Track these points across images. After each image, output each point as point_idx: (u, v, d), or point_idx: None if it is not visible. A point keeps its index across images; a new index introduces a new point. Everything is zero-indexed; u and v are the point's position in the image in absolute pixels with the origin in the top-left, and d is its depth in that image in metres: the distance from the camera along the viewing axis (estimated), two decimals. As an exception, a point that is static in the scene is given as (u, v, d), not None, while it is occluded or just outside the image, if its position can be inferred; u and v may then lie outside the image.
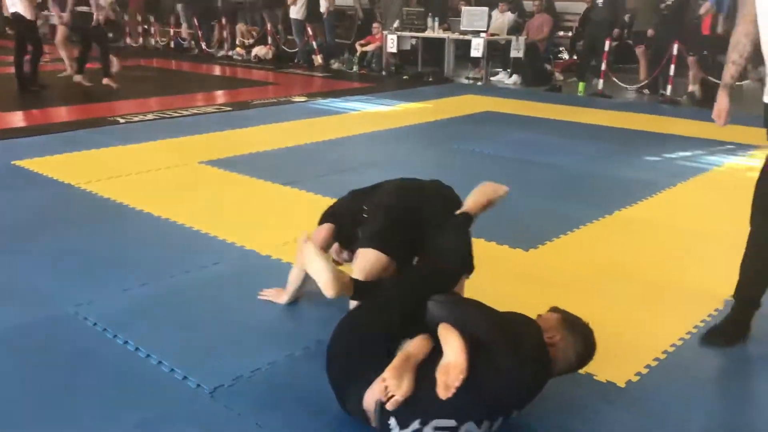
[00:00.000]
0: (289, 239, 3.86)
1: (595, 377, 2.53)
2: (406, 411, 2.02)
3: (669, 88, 8.98)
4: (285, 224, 4.14)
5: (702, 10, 8.31)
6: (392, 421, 2.04)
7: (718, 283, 3.35)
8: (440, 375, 2.04)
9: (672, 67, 8.84)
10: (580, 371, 2.54)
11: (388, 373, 2.06)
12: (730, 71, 2.84)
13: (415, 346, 2.14)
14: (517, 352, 2.09)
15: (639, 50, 9.74)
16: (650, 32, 9.38)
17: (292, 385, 2.48)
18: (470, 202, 2.69)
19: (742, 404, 2.40)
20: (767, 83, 2.74)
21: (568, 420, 2.29)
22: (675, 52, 8.73)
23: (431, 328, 2.18)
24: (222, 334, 2.84)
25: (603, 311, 3.06)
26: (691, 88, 8.91)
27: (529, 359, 2.11)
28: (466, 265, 2.54)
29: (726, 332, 2.76)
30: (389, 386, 2.03)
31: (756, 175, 5.46)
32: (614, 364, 2.62)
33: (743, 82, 9.67)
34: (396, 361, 2.08)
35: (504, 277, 3.40)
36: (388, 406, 2.03)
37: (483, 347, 2.09)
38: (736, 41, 2.76)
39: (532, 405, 2.21)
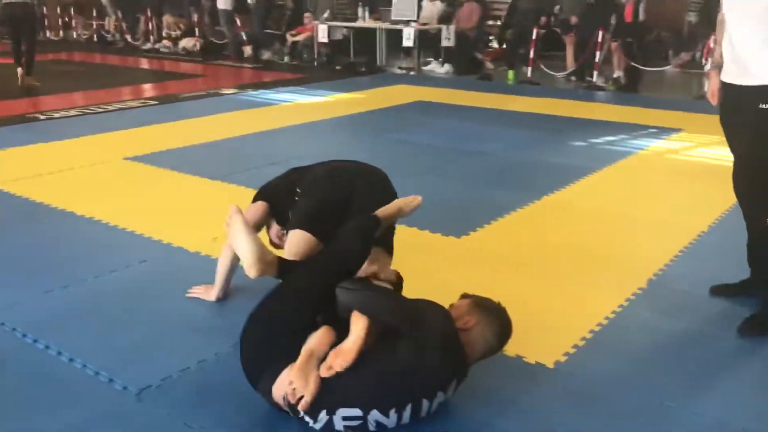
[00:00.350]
0: (219, 235, 3.77)
1: (524, 359, 2.57)
2: (313, 404, 2.03)
3: (595, 74, 9.20)
4: (214, 220, 4.02)
5: (624, -2, 8.53)
6: (305, 416, 2.08)
7: (642, 263, 3.46)
8: (330, 355, 2.07)
9: (598, 54, 9.06)
10: (509, 353, 2.59)
11: (293, 374, 2.05)
12: (718, 51, 2.92)
13: (317, 342, 2.13)
14: (420, 340, 2.10)
15: (566, 38, 9.94)
16: (574, 19, 9.58)
17: (222, 382, 2.43)
18: (382, 209, 2.57)
19: (670, 379, 2.48)
20: (724, 64, 2.84)
21: (498, 403, 2.32)
22: (600, 39, 8.94)
23: (341, 314, 2.17)
24: (149, 334, 2.76)
25: (531, 294, 3.13)
26: (616, 74, 9.15)
27: (434, 347, 2.10)
28: (366, 245, 2.41)
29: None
30: (296, 388, 2.03)
31: (677, 157, 5.70)
32: (543, 345, 2.67)
33: (665, 68, 10.01)
34: (299, 361, 2.07)
35: (438, 264, 3.43)
36: (300, 408, 2.04)
37: (387, 334, 2.10)
38: (720, 22, 2.89)
39: (459, 391, 2.23)
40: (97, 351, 2.62)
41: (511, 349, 2.62)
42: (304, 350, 2.10)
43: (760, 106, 2.66)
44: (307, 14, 11.93)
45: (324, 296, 2.21)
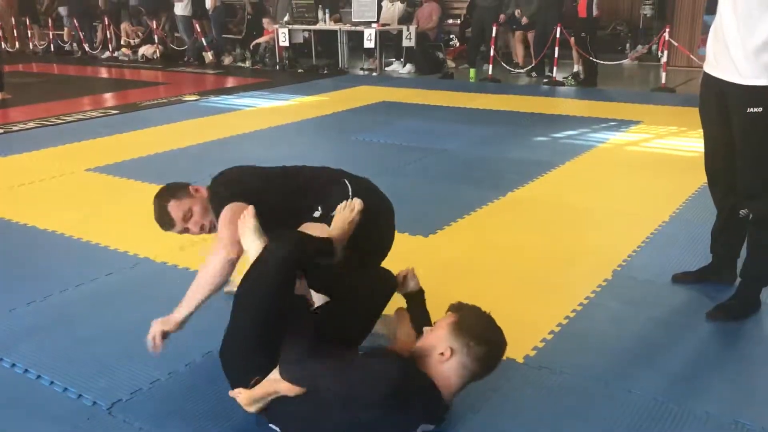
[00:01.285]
0: (185, 244, 3.76)
1: (494, 355, 2.60)
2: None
3: (555, 70, 9.32)
4: (180, 228, 4.02)
5: (578, -6, 8.65)
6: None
7: (606, 254, 3.52)
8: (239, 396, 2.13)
9: (557, 49, 9.18)
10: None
11: (242, 397, 2.10)
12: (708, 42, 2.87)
13: (271, 387, 2.05)
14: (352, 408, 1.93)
15: (515, 34, 10.08)
16: (524, 19, 9.73)
17: (194, 393, 2.42)
18: (332, 230, 2.43)
19: (637, 368, 2.53)
20: (707, 54, 2.80)
21: (469, 399, 2.33)
22: (558, 35, 9.06)
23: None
24: (118, 348, 2.73)
25: (499, 289, 3.16)
26: (575, 68, 9.28)
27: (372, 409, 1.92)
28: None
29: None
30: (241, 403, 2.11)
31: (636, 149, 5.81)
32: (512, 340, 2.66)
33: (623, 62, 10.18)
34: (257, 391, 2.07)
35: (407, 264, 3.43)
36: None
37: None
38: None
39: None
40: (65, 367, 2.59)
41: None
42: (266, 386, 2.05)
43: (748, 110, 2.58)
44: (266, 19, 11.88)
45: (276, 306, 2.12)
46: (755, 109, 2.55)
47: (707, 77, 2.80)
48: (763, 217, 2.72)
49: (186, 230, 2.68)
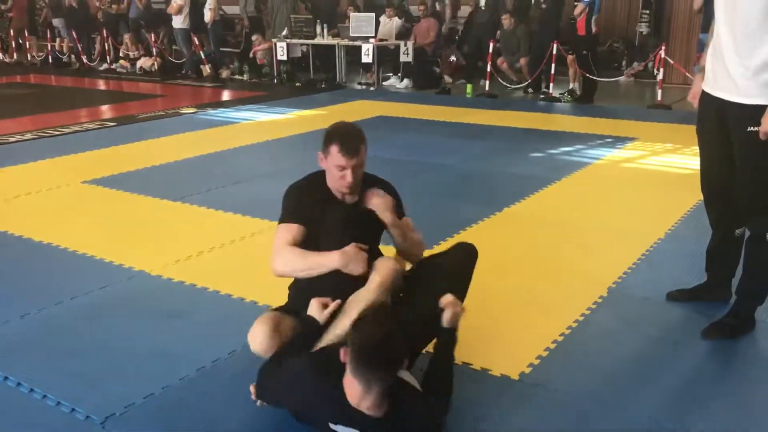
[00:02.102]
0: (180, 257, 3.76)
1: (490, 372, 2.60)
2: None
3: (551, 86, 9.36)
4: (175, 242, 4.02)
5: (576, 11, 8.70)
6: None
7: (601, 271, 3.52)
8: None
9: (553, 66, 9.23)
10: (474, 367, 2.62)
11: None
12: (705, 58, 2.86)
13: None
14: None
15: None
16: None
17: (188, 408, 2.40)
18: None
19: (633, 386, 2.52)
20: (706, 73, 2.81)
21: (466, 417, 2.33)
22: (554, 51, 9.12)
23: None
24: (111, 361, 2.72)
25: (494, 306, 3.16)
26: (571, 85, 9.33)
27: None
28: None
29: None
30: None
31: (632, 166, 5.83)
32: (507, 357, 2.70)
33: (619, 78, 10.24)
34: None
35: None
36: None
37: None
38: (712, 32, 2.80)
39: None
40: (58, 380, 2.58)
41: (476, 362, 2.66)
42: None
43: (749, 128, 2.57)
44: (255, 36, 11.91)
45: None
46: (755, 128, 2.54)
47: (706, 96, 2.80)
48: (760, 236, 2.71)
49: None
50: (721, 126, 2.72)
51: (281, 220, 2.55)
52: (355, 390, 1.97)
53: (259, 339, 2.33)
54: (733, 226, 2.91)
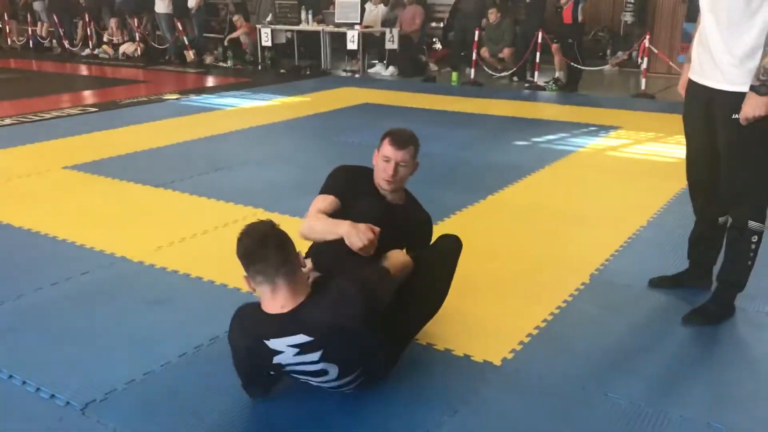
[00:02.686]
0: (163, 243, 3.73)
1: (471, 358, 2.61)
2: None
3: (536, 75, 9.37)
4: (158, 228, 3.99)
5: (563, 0, 8.71)
6: None
7: (584, 259, 3.54)
8: None
9: (538, 54, 9.23)
10: (457, 353, 2.62)
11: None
12: (693, 49, 2.84)
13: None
14: None
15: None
16: (484, 21, 9.86)
17: (170, 393, 2.39)
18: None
19: (614, 371, 2.54)
20: (692, 62, 2.79)
21: (448, 403, 2.34)
22: (539, 40, 9.12)
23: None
24: (92, 347, 2.70)
25: (477, 292, 3.17)
26: (557, 74, 9.34)
27: None
28: None
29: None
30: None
31: (615, 154, 5.85)
32: (489, 343, 2.71)
33: (603, 67, 10.27)
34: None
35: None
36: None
37: None
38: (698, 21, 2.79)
39: (407, 392, 2.24)
40: (38, 366, 2.55)
41: (458, 348, 2.66)
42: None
43: (734, 116, 2.56)
44: (236, 17, 11.77)
45: None
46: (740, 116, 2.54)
47: (693, 85, 2.79)
48: (743, 224, 2.72)
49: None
50: (708, 115, 2.72)
51: (321, 191, 2.67)
52: (262, 297, 2.11)
53: None
54: (717, 215, 2.92)
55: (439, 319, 2.76)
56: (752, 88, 2.47)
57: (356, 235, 2.39)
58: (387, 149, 2.65)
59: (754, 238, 2.73)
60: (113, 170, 5.16)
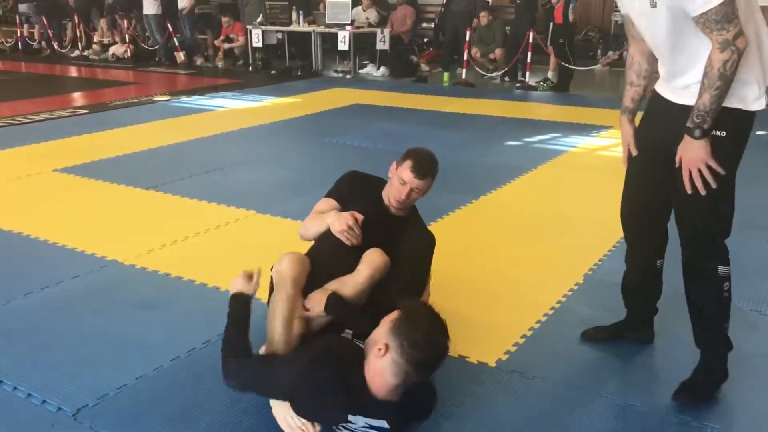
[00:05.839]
0: (154, 246, 3.71)
1: (467, 359, 2.60)
2: None
3: (528, 75, 9.38)
4: (148, 231, 3.97)
5: (553, 0, 8.73)
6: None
7: (577, 259, 3.54)
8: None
9: (529, 54, 9.24)
10: (451, 354, 2.61)
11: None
12: (629, 94, 2.51)
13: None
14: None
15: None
16: (475, 21, 9.87)
17: (163, 398, 2.37)
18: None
19: (608, 372, 2.54)
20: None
21: (443, 404, 2.33)
22: (531, 40, 9.13)
23: None
24: (84, 352, 2.67)
25: (471, 293, 3.17)
26: (549, 74, 9.35)
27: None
28: None
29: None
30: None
31: (606, 153, 5.86)
32: (484, 344, 2.71)
33: (594, 67, 10.30)
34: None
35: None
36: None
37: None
38: (630, 61, 2.47)
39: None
40: (29, 372, 2.53)
41: (453, 349, 2.64)
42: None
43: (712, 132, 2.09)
44: (225, 18, 11.72)
45: None
46: (718, 133, 2.10)
47: (657, 99, 2.35)
48: (710, 271, 2.28)
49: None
50: (668, 135, 2.23)
51: (327, 194, 2.74)
52: (385, 383, 1.97)
53: (285, 264, 2.39)
54: (655, 258, 2.56)
55: (433, 321, 2.73)
56: (686, 130, 2.10)
57: (337, 220, 2.50)
58: (406, 174, 2.60)
59: (726, 286, 2.28)
60: (104, 173, 5.13)
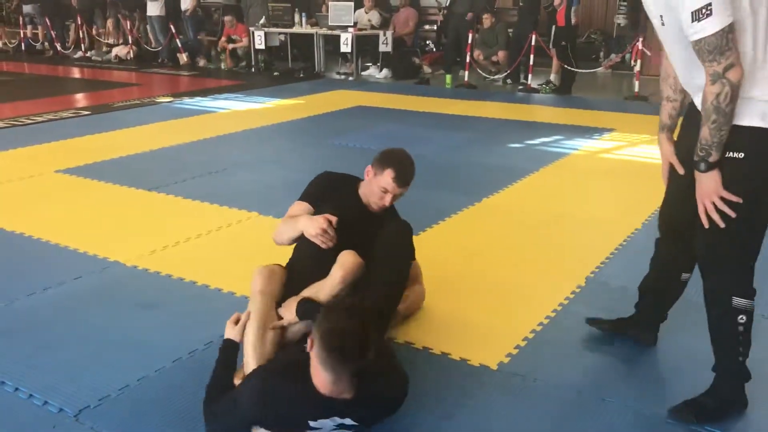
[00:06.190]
0: (156, 247, 3.71)
1: (468, 362, 2.60)
2: None
3: (530, 77, 9.38)
4: (151, 232, 3.97)
5: (556, 2, 8.72)
6: None
7: (579, 261, 3.54)
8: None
9: (532, 57, 9.23)
10: (453, 357, 2.62)
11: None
12: (666, 110, 2.42)
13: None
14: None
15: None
16: (469, 15, 9.89)
17: (164, 400, 2.37)
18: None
19: (610, 375, 2.54)
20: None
21: (444, 407, 2.33)
22: (533, 42, 9.13)
23: None
24: (85, 353, 2.68)
25: (473, 296, 3.16)
26: (552, 76, 9.35)
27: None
28: None
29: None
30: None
31: (609, 156, 5.86)
32: (485, 347, 2.71)
33: (597, 70, 10.29)
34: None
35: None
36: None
37: None
38: (666, 74, 2.39)
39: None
40: (30, 372, 2.53)
41: (454, 352, 2.65)
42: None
43: (727, 154, 2.01)
44: (228, 17, 11.71)
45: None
46: (735, 155, 2.01)
47: (693, 110, 2.23)
48: (712, 295, 2.21)
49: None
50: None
51: (299, 197, 2.72)
52: (323, 379, 1.95)
53: (253, 278, 2.49)
54: (683, 271, 2.51)
55: (435, 324, 2.75)
56: (693, 163, 2.07)
57: (311, 224, 2.51)
58: (389, 183, 2.61)
59: (742, 319, 2.18)
60: (106, 174, 5.13)
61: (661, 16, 2.07)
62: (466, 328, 2.87)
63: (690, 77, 2.13)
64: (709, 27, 1.88)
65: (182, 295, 3.19)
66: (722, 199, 2.03)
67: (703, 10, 1.88)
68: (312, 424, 2.03)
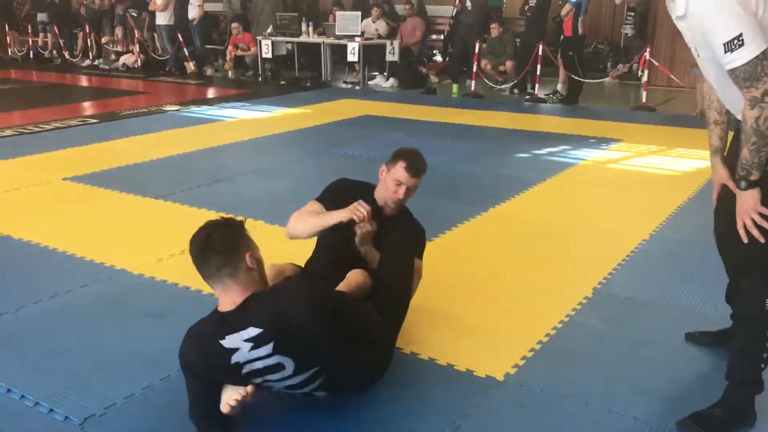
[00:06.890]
0: (163, 256, 3.71)
1: (474, 373, 2.58)
2: None
3: (537, 87, 9.38)
4: (158, 240, 3.97)
5: (563, 12, 8.73)
6: None
7: (587, 272, 3.52)
8: None
9: (539, 67, 9.24)
10: (459, 368, 2.60)
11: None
12: (715, 134, 2.43)
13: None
14: None
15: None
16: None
17: (169, 408, 2.36)
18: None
19: (617, 387, 2.52)
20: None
21: (450, 418, 2.32)
22: (540, 52, 9.13)
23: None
24: (92, 361, 2.67)
25: (480, 306, 3.15)
26: (559, 86, 9.35)
27: None
28: None
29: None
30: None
31: (617, 167, 5.85)
32: (492, 358, 2.69)
33: (604, 80, 10.28)
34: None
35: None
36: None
37: None
38: (709, 101, 2.42)
39: (409, 408, 2.23)
40: (37, 380, 2.53)
41: (461, 363, 2.64)
42: None
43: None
44: (235, 24, 11.74)
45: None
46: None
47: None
48: (751, 300, 2.22)
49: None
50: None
51: (316, 198, 2.80)
52: (220, 298, 2.17)
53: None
54: None
55: (440, 334, 2.73)
56: (735, 181, 2.13)
57: (350, 210, 2.52)
58: (401, 174, 2.70)
59: None
60: (113, 182, 5.15)
61: (695, 48, 2.13)
62: (473, 338, 2.85)
63: (726, 101, 2.20)
64: (743, 56, 1.93)
65: (188, 303, 3.18)
66: (761, 214, 2.09)
67: (735, 41, 1.93)
68: (223, 343, 2.10)
